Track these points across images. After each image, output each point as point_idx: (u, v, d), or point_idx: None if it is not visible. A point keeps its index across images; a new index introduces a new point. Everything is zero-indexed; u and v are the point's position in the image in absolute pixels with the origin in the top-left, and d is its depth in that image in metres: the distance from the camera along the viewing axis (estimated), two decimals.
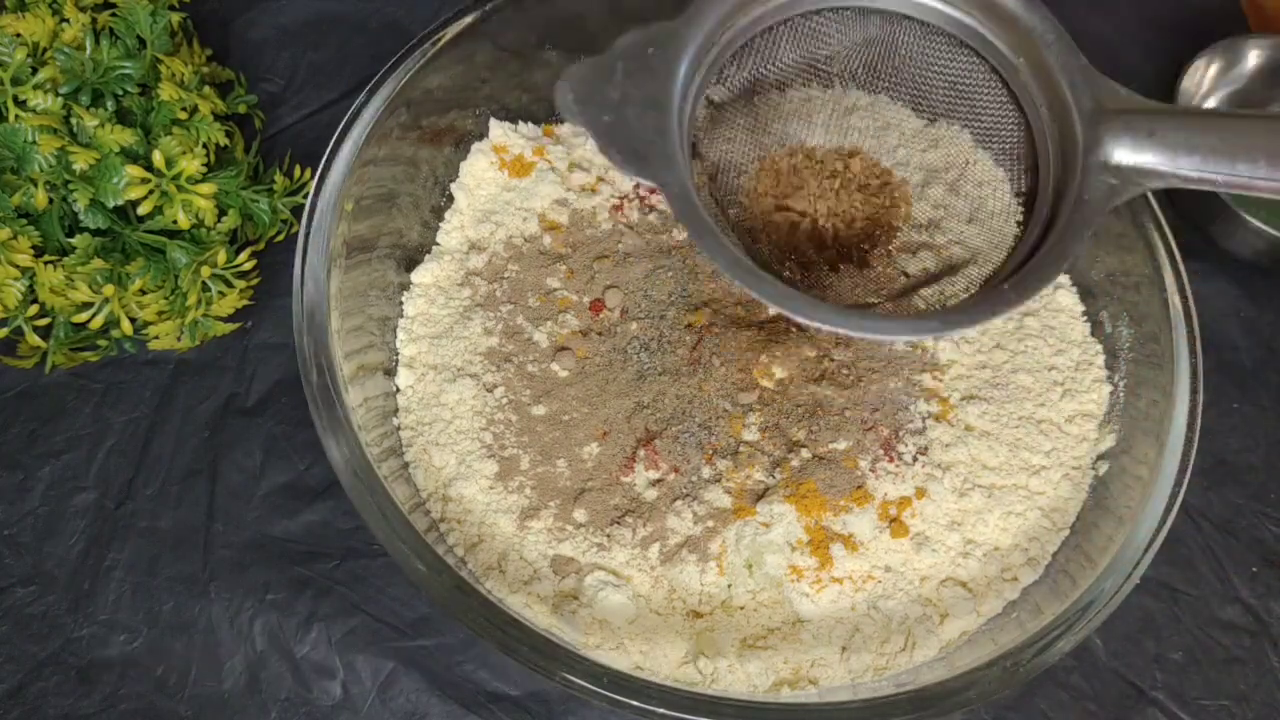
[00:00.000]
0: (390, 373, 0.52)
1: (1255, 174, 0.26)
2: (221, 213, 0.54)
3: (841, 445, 0.50)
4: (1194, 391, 0.46)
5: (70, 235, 0.52)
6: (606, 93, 0.35)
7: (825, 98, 0.43)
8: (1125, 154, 0.31)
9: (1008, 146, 0.41)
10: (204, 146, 0.54)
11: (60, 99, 0.51)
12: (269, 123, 0.63)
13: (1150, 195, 0.50)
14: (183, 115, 0.54)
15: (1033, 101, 0.38)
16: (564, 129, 0.61)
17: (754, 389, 0.52)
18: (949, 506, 0.49)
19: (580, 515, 0.49)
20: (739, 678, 0.46)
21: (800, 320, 0.34)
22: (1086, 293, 0.55)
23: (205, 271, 0.53)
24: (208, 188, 0.52)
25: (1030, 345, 0.54)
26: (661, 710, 0.39)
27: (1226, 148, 0.27)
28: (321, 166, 0.48)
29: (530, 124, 0.60)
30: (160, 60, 0.55)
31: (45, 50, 0.52)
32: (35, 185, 0.50)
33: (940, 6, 0.38)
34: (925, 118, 0.44)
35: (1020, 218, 0.39)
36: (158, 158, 0.51)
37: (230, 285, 0.54)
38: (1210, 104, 0.67)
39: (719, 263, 0.34)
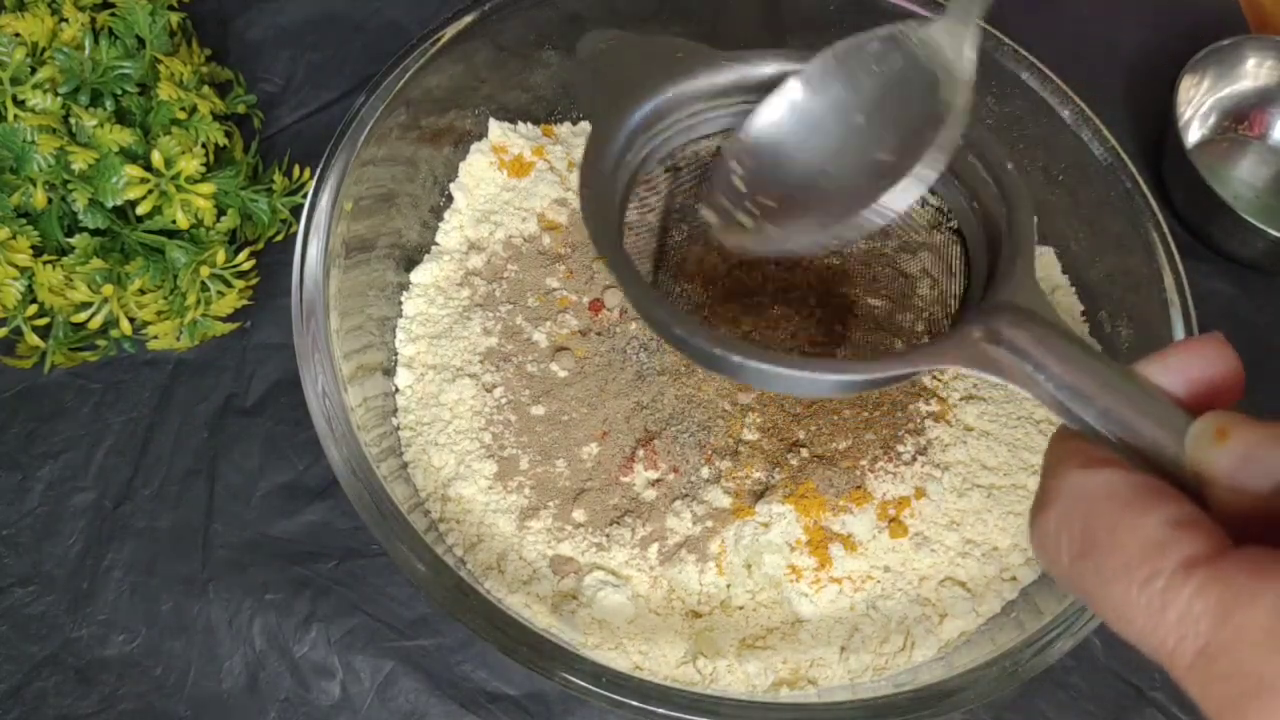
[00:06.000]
0: (389, 373, 0.52)
1: (1084, 414, 0.25)
2: (220, 212, 0.54)
3: (841, 445, 0.50)
4: None
5: (69, 235, 0.52)
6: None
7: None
8: (1006, 332, 0.29)
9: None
10: (203, 146, 0.54)
11: (59, 99, 0.51)
12: (268, 122, 0.63)
13: (1149, 195, 0.50)
14: (182, 115, 0.54)
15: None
16: (563, 129, 0.61)
17: (753, 389, 0.52)
18: (948, 506, 0.49)
19: (579, 515, 0.49)
20: (738, 678, 0.46)
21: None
22: (1086, 293, 0.55)
23: (204, 271, 0.53)
24: (207, 187, 0.52)
25: None
26: (660, 710, 0.39)
27: (1080, 385, 0.26)
28: (320, 166, 0.47)
29: (529, 124, 0.60)
30: (159, 60, 0.55)
31: (44, 50, 0.52)
32: (34, 185, 0.50)
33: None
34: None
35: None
36: (157, 157, 0.51)
37: (229, 285, 0.54)
38: (1208, 105, 0.67)
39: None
